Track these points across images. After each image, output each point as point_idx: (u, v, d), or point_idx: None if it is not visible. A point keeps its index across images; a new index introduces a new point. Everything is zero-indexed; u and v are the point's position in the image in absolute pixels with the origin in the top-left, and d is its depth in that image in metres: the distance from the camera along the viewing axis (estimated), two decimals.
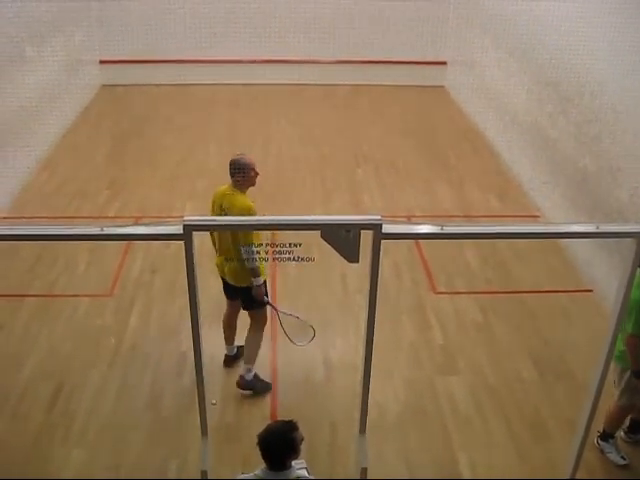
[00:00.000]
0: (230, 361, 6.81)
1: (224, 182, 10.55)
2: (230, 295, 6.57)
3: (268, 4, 14.12)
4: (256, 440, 4.00)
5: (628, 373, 5.52)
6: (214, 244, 6.41)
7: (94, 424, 6.15)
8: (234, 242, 5.90)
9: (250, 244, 5.58)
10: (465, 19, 13.59)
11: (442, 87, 14.97)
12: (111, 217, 9.33)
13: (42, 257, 8.38)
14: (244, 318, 6.58)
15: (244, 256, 5.77)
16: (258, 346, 6.50)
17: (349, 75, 14.76)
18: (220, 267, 6.40)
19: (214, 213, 6.26)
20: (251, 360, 6.48)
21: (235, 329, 6.76)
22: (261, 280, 6.07)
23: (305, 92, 14.51)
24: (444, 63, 14.86)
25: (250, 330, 6.51)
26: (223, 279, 6.49)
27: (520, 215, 9.66)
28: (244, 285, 6.22)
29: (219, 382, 6.60)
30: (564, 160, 9.05)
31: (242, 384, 6.48)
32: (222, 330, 6.73)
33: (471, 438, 6.09)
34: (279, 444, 3.97)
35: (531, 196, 10.15)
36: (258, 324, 6.48)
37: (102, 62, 14.51)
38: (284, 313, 6.22)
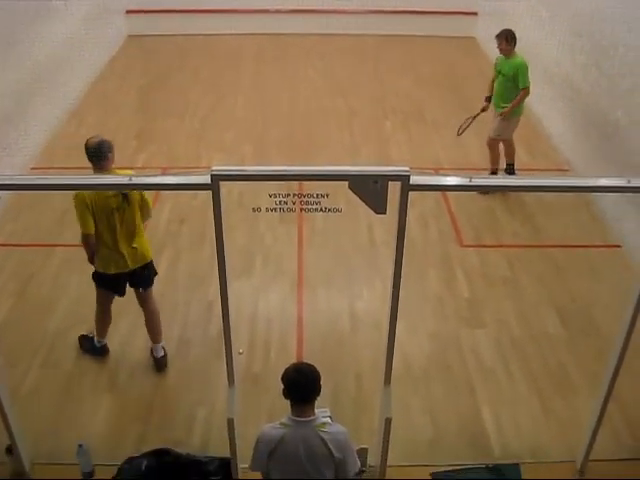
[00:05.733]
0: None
1: (251, 134, 10.61)
2: (124, 287, 6.17)
3: None
4: (282, 384, 4.10)
5: None
6: (105, 242, 5.82)
7: (123, 370, 6.28)
8: (139, 218, 5.86)
9: None
10: None
11: (473, 38, 14.72)
12: (139, 167, 9.35)
13: (71, 207, 8.42)
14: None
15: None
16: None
17: (378, 25, 14.56)
18: (128, 259, 5.89)
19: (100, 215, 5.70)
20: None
21: None
22: None
23: (333, 42, 14.35)
24: (475, 13, 14.59)
25: (154, 305, 6.33)
26: (116, 276, 5.99)
27: (549, 169, 9.56)
28: (150, 259, 6.13)
29: (246, 331, 6.67)
30: (595, 113, 8.90)
31: (166, 363, 6.37)
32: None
33: (495, 391, 6.11)
34: (309, 378, 4.07)
35: (561, 150, 10.02)
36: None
37: (128, 12, 14.43)
38: None
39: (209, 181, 3.77)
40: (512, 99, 8.77)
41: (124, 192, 5.62)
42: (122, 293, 6.17)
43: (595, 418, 4.96)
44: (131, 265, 5.94)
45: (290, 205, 4.61)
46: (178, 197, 8.47)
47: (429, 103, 11.69)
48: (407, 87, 12.36)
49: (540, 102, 10.98)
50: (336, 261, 7.70)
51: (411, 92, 12.15)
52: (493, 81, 9.08)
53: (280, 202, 4.28)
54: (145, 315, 6.29)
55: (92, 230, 5.69)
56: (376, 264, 7.58)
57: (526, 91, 8.73)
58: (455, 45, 14.35)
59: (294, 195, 4.29)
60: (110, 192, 5.56)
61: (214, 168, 3.80)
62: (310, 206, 4.27)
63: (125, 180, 4.14)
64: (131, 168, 9.19)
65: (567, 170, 9.52)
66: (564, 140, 9.96)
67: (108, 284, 6.09)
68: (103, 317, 6.33)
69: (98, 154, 5.60)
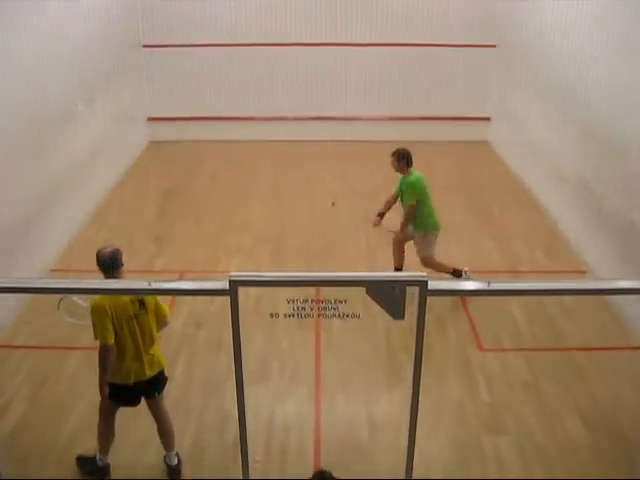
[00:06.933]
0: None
1: (269, 238, 10.66)
2: (140, 396, 6.06)
3: (312, 63, 14.40)
4: None
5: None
6: (128, 351, 5.70)
7: (138, 476, 6.15)
8: (155, 325, 5.84)
9: None
10: (509, 74, 13.66)
11: (486, 142, 14.97)
12: (157, 271, 9.41)
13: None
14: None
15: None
16: None
17: (393, 131, 14.80)
18: (146, 366, 5.82)
19: (120, 323, 5.60)
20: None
21: None
22: None
23: (350, 148, 14.59)
24: (488, 119, 14.89)
25: (166, 412, 6.19)
26: (135, 385, 5.86)
27: (567, 270, 9.53)
28: (164, 365, 6.10)
29: (262, 439, 6.55)
30: (611, 214, 8.94)
31: (180, 471, 6.22)
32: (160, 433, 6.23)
33: None
34: None
35: (578, 251, 10.02)
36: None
37: (150, 119, 14.82)
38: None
39: (227, 286, 3.79)
40: (417, 215, 8.75)
41: (140, 298, 5.59)
42: (138, 402, 6.06)
43: None
44: (149, 373, 5.86)
45: (308, 311, 4.64)
46: (195, 301, 8.49)
47: (445, 206, 11.71)
48: None
49: (556, 204, 11.08)
50: (354, 367, 7.61)
51: None
52: (392, 197, 9.05)
53: (298, 308, 4.29)
54: (158, 423, 6.16)
55: (112, 340, 5.53)
56: (395, 369, 7.49)
57: (410, 208, 8.67)
58: (469, 149, 14.57)
59: (312, 301, 4.31)
60: (127, 298, 5.52)
61: (232, 273, 3.81)
62: (328, 312, 4.26)
63: (144, 285, 4.16)
64: (150, 272, 9.29)
65: (585, 272, 9.49)
66: (581, 241, 9.97)
67: (126, 395, 5.94)
68: (107, 431, 6.09)
69: (114, 264, 5.53)
